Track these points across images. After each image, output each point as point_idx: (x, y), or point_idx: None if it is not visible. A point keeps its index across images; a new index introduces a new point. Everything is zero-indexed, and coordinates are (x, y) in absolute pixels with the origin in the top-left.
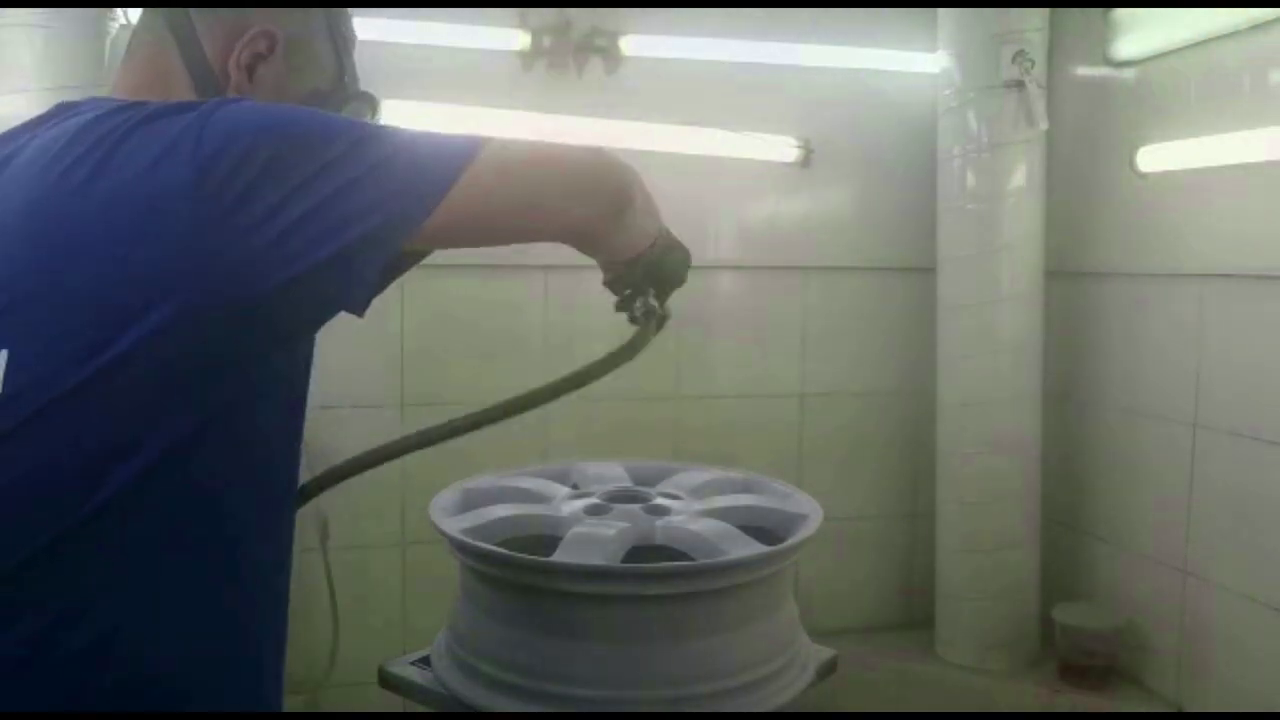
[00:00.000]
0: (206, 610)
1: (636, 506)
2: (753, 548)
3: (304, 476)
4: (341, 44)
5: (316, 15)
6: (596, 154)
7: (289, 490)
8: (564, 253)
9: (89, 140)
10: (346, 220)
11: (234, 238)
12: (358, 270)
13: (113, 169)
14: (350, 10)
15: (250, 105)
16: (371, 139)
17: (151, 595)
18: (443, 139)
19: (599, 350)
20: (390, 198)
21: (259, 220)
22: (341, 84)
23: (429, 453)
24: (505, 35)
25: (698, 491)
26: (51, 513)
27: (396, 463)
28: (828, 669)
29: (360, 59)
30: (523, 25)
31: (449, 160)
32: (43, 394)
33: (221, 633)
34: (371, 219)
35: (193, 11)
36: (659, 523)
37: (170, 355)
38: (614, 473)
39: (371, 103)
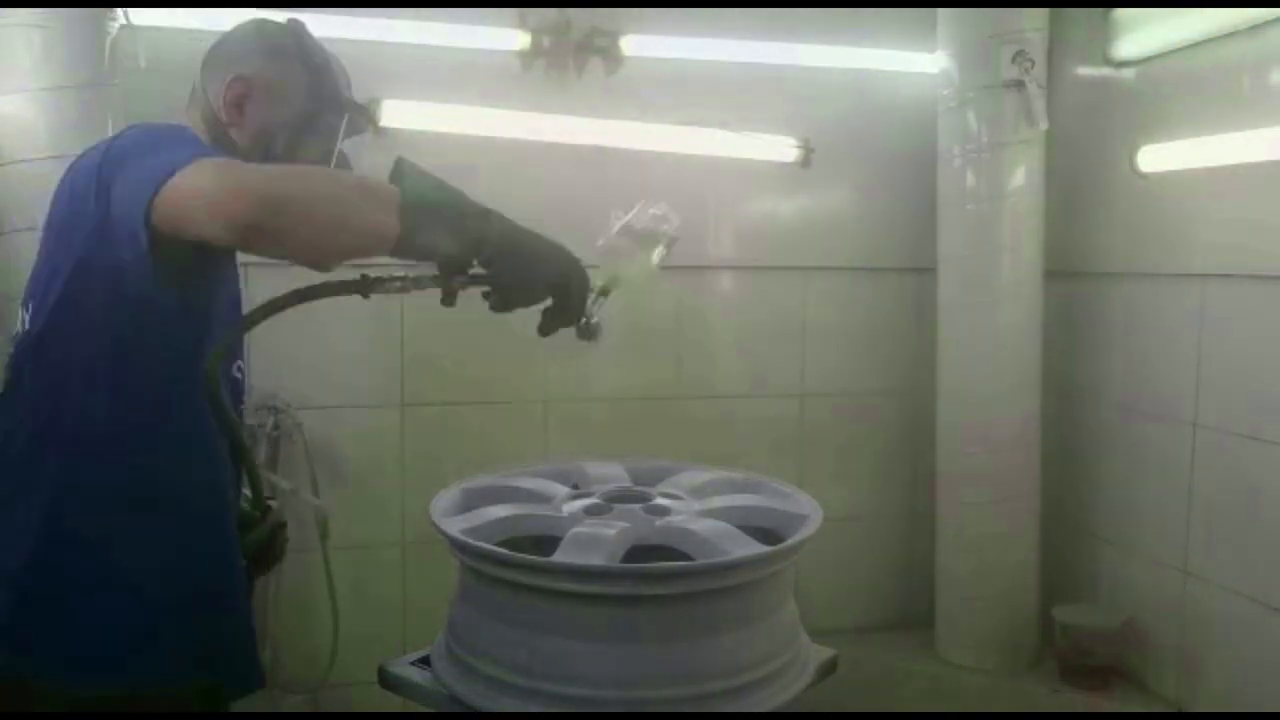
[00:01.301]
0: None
1: (636, 506)
2: (753, 548)
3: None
4: (317, 73)
5: (288, 54)
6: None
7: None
8: None
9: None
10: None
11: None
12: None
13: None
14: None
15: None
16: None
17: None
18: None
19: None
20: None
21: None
22: (327, 102)
23: (429, 453)
24: (505, 35)
25: (698, 491)
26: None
27: (396, 463)
28: (828, 669)
29: (361, 59)
30: (522, 25)
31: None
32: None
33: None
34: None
35: (203, 70)
36: (659, 523)
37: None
38: (614, 473)
39: (362, 109)
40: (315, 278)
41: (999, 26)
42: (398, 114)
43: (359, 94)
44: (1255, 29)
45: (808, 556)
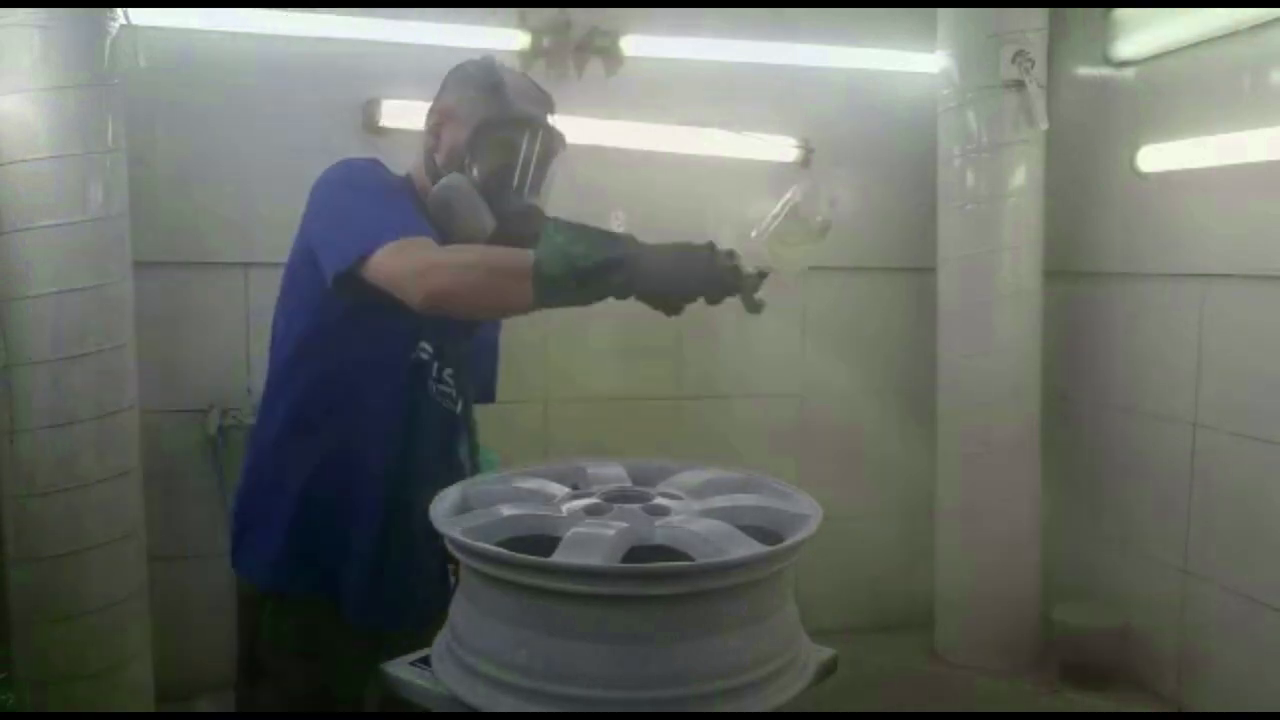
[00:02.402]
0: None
1: (636, 506)
2: (753, 548)
3: None
4: (489, 94)
5: (471, 82)
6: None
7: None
8: None
9: None
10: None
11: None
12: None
13: None
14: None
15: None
16: None
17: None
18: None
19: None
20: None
21: None
22: (500, 120)
23: None
24: (505, 35)
25: (698, 491)
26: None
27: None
28: (828, 669)
29: (361, 59)
30: (523, 25)
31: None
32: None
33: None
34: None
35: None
36: (659, 523)
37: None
38: (614, 473)
39: (522, 119)
40: None
41: (999, 26)
42: (398, 114)
43: (359, 94)
44: (1255, 29)
45: (808, 556)
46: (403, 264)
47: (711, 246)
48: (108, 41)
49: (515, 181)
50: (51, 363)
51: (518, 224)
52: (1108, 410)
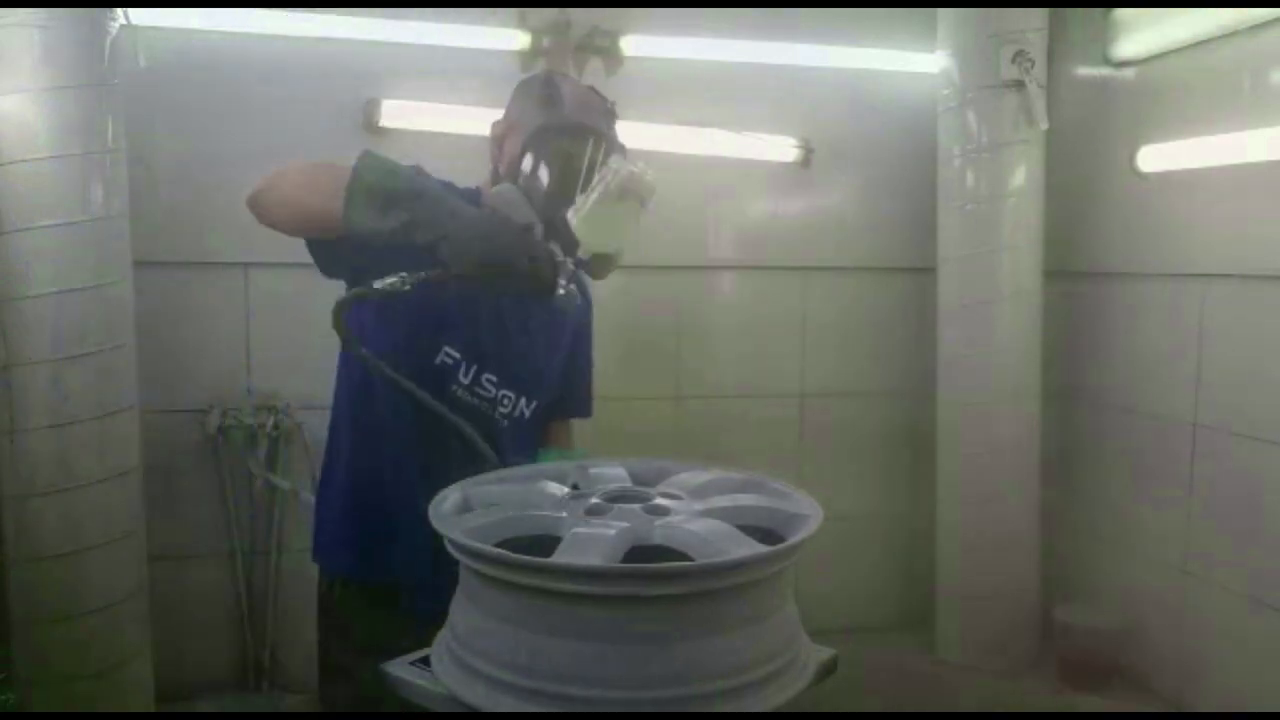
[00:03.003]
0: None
1: (636, 506)
2: (752, 548)
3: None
4: (543, 105)
5: (529, 95)
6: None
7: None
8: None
9: None
10: None
11: None
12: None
13: None
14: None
15: None
16: None
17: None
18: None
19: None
20: None
21: None
22: (551, 129)
23: None
24: (505, 35)
25: (698, 491)
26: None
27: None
28: (828, 669)
29: (361, 59)
30: (523, 25)
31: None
32: None
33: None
34: None
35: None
36: (658, 523)
37: None
38: (614, 473)
39: (574, 128)
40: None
41: (999, 26)
42: (398, 114)
43: (359, 94)
44: (1255, 29)
45: (808, 556)
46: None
47: (530, 227)
48: (108, 41)
49: (569, 189)
50: (51, 363)
51: (566, 232)
52: (1108, 410)
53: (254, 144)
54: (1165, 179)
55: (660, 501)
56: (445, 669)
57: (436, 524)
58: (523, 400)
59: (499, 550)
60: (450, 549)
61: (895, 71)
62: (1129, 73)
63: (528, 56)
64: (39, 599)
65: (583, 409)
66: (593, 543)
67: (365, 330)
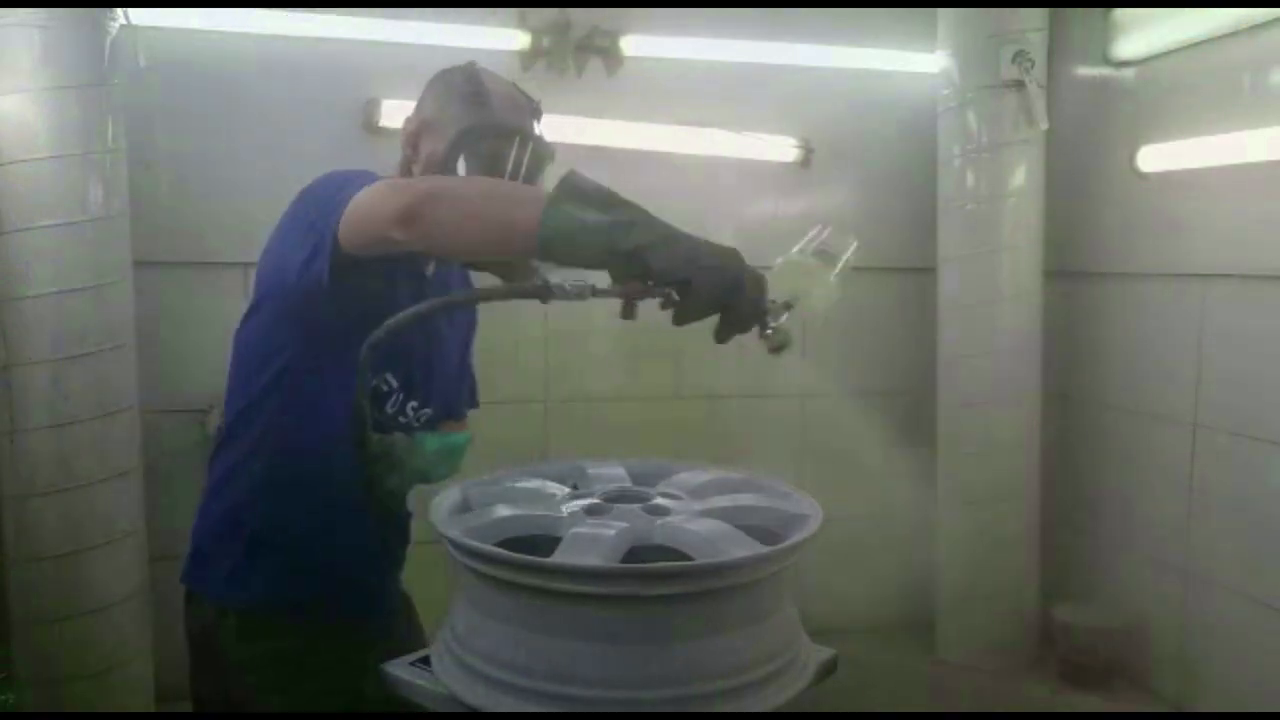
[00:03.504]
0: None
1: (636, 506)
2: (752, 548)
3: None
4: (471, 104)
5: (452, 91)
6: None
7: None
8: None
9: None
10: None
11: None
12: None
13: None
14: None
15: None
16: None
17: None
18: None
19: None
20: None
21: None
22: (482, 130)
23: None
24: (505, 35)
25: (698, 491)
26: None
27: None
28: (828, 669)
29: (361, 59)
30: (523, 25)
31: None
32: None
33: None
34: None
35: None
36: (658, 523)
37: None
38: (614, 473)
39: (506, 128)
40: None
41: (999, 26)
42: (398, 114)
43: (359, 94)
44: (1255, 29)
45: (808, 556)
46: (377, 191)
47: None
48: (108, 41)
49: None
50: (51, 363)
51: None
52: (1108, 410)
53: (254, 144)
54: (1165, 179)
55: (660, 501)
56: (445, 669)
57: (436, 523)
58: (439, 414)
59: (499, 550)
60: (450, 548)
61: (895, 71)
62: (1129, 73)
63: (528, 56)
64: (39, 599)
65: (463, 410)
66: (593, 543)
67: (314, 348)
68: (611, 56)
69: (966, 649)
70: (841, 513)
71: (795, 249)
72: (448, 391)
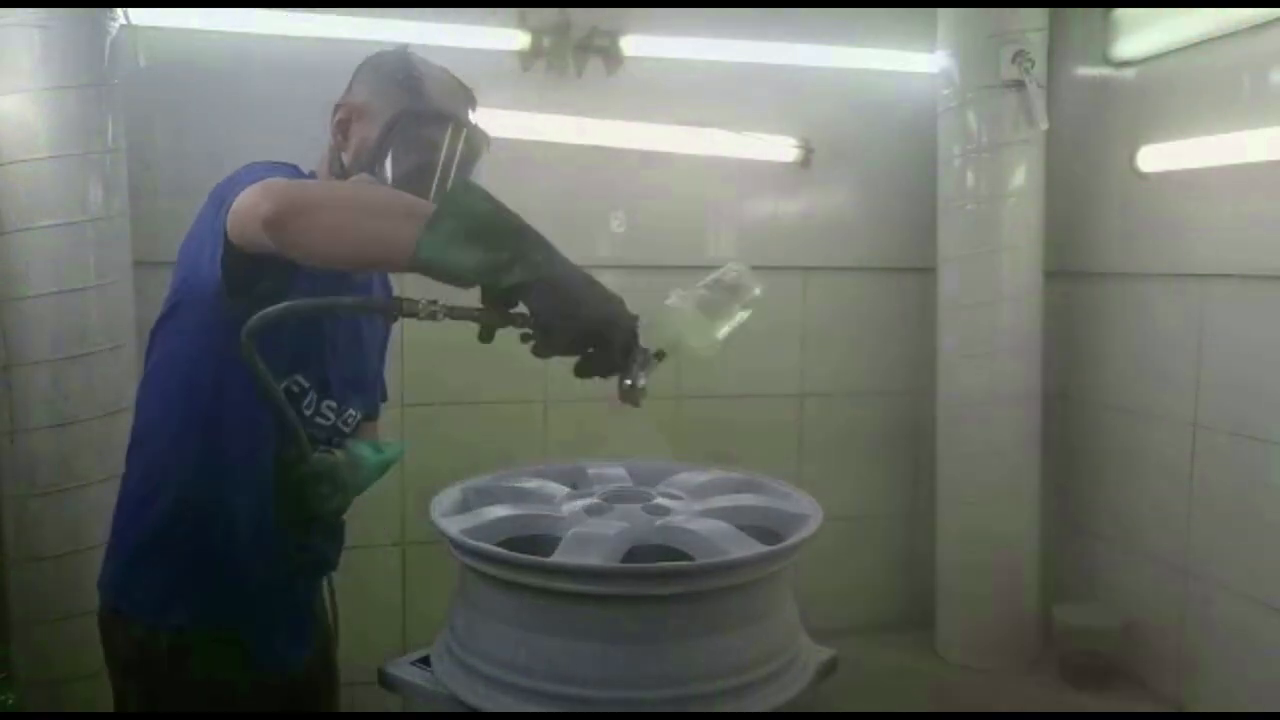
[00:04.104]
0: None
1: (636, 506)
2: (752, 548)
3: None
4: (406, 88)
5: (385, 76)
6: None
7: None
8: (564, 253)
9: None
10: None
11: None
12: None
13: None
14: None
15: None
16: None
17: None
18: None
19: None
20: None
21: None
22: (417, 116)
23: (429, 452)
24: (505, 35)
25: (698, 491)
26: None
27: (396, 463)
28: (828, 669)
29: (361, 60)
30: (523, 25)
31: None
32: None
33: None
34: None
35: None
36: (659, 523)
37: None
38: (614, 473)
39: (440, 115)
40: None
41: (999, 26)
42: None
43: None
44: (1255, 29)
45: (808, 556)
46: (253, 194)
47: (622, 301)
48: (108, 41)
49: (434, 184)
50: (51, 363)
51: None
52: (1108, 410)
53: (254, 144)
54: (1165, 179)
55: (660, 501)
56: (445, 669)
57: (437, 523)
58: (360, 414)
59: (499, 549)
60: (450, 548)
61: (895, 71)
62: (1129, 73)
63: (528, 56)
64: (39, 599)
65: (379, 408)
66: (593, 543)
67: (219, 348)
68: (611, 56)
69: (966, 649)
70: (841, 512)
71: (693, 290)
72: (367, 393)
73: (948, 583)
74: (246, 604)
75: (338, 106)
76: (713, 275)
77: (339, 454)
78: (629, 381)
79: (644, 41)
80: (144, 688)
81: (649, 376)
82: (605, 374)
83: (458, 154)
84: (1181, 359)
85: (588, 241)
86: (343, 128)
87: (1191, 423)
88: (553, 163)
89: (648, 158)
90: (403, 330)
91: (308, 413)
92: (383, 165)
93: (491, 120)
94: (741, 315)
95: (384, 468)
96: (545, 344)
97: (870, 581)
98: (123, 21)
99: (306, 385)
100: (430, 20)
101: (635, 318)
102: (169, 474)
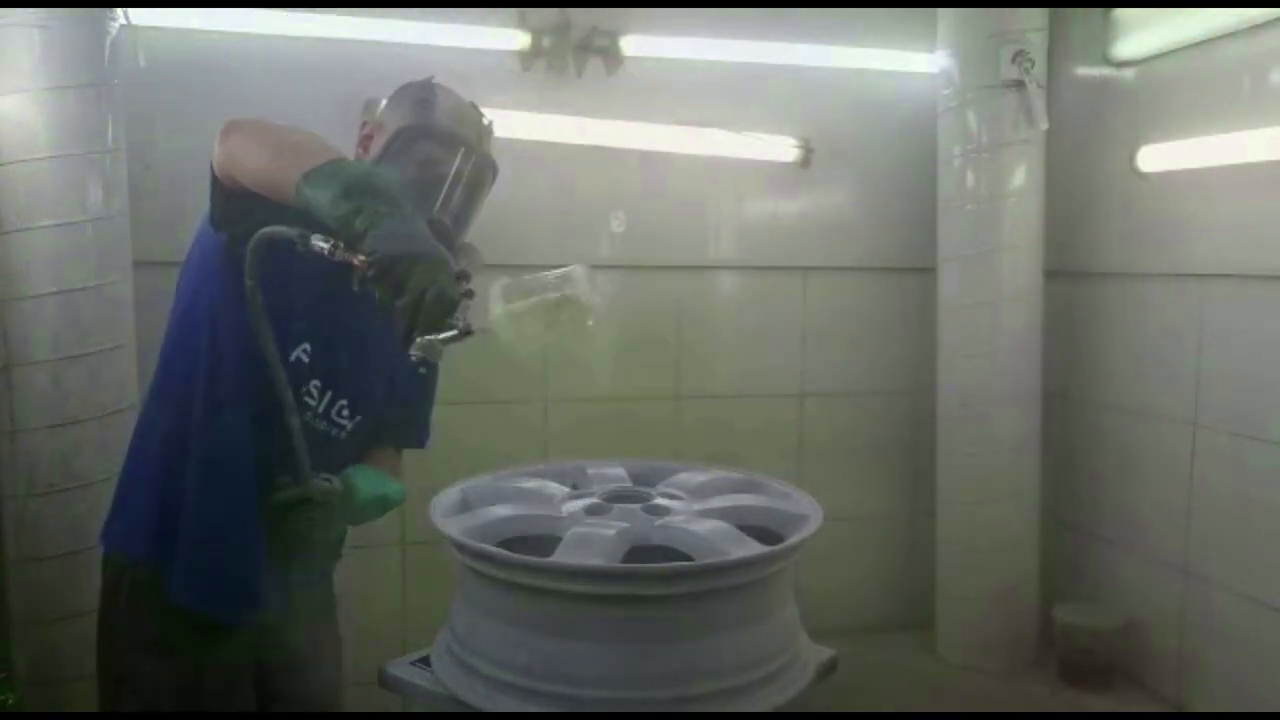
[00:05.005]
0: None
1: (636, 506)
2: (752, 548)
3: None
4: (414, 109)
5: (404, 100)
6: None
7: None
8: (564, 253)
9: None
10: None
11: None
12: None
13: None
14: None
15: None
16: None
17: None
18: None
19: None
20: None
21: None
22: (417, 127)
23: (429, 453)
24: (505, 35)
25: (698, 491)
26: None
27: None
28: (828, 669)
29: (361, 59)
30: (523, 25)
31: None
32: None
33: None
34: None
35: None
36: (659, 523)
37: None
38: (614, 473)
39: (443, 134)
40: None
41: (999, 26)
42: None
43: (358, 93)
44: (1255, 29)
45: (808, 556)
46: (223, 131)
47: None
48: (108, 41)
49: (437, 201)
50: (51, 363)
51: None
52: (1108, 410)
53: None
54: (1165, 179)
55: (660, 501)
56: (445, 669)
57: (437, 523)
58: (359, 417)
59: (499, 550)
60: (451, 548)
61: (895, 71)
62: (1129, 73)
63: (528, 56)
64: (39, 599)
65: (417, 438)
66: (593, 542)
67: (219, 309)
68: (611, 56)
69: (966, 649)
70: (841, 513)
71: (530, 280)
72: (363, 392)
73: (948, 583)
74: (202, 543)
75: (363, 124)
76: (551, 275)
77: (336, 482)
78: (420, 337)
79: (644, 41)
80: (107, 623)
81: (446, 348)
82: (417, 329)
83: (459, 175)
84: (1181, 359)
85: (588, 241)
86: (365, 144)
87: (1191, 422)
88: (553, 163)
89: (648, 158)
90: None
91: (320, 409)
92: (398, 178)
93: (491, 120)
94: (565, 322)
95: (381, 504)
96: (376, 289)
97: (870, 581)
98: (123, 21)
99: (308, 360)
100: (430, 20)
101: (455, 288)
102: (158, 423)
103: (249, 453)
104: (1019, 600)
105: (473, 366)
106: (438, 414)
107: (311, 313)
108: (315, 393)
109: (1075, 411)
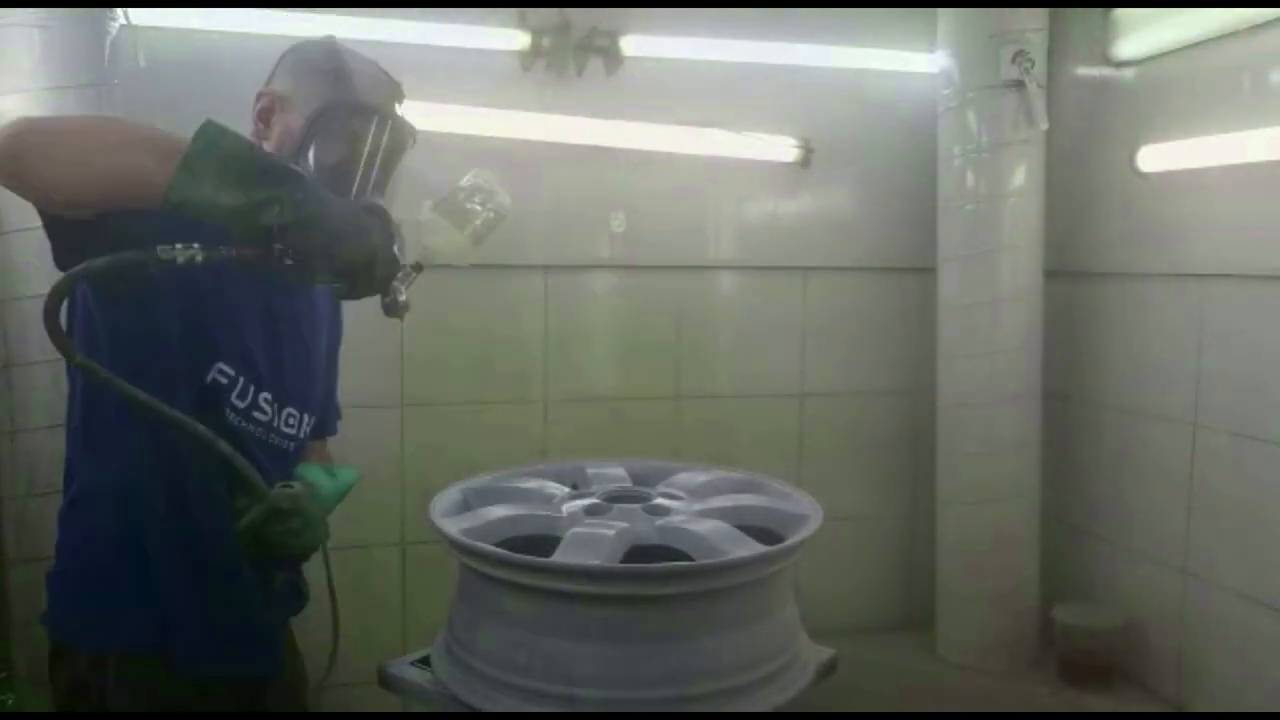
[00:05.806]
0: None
1: (636, 507)
2: (752, 548)
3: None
4: (331, 80)
5: (310, 66)
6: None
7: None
8: (564, 253)
9: None
10: None
11: None
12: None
13: None
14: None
15: None
16: None
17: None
18: None
19: (597, 351)
20: None
21: None
22: (342, 108)
23: (429, 453)
24: (505, 35)
25: (698, 491)
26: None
27: (396, 463)
28: (828, 669)
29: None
30: (523, 25)
31: None
32: None
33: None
34: None
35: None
36: (659, 523)
37: None
38: (614, 473)
39: (367, 108)
40: None
41: (999, 26)
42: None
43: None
44: (1255, 29)
45: (808, 556)
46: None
47: (388, 215)
48: (108, 41)
49: (358, 177)
50: (51, 363)
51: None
52: (1108, 410)
53: None
54: (1165, 179)
55: (660, 501)
56: (445, 669)
57: (436, 523)
58: (305, 417)
59: (499, 550)
60: (450, 548)
61: (895, 71)
62: (1129, 73)
63: (528, 56)
64: (39, 599)
65: (334, 425)
66: (593, 543)
67: (100, 339)
68: (611, 56)
69: (966, 649)
70: (841, 513)
71: (442, 199)
72: (307, 394)
73: (948, 583)
74: (161, 620)
75: (260, 95)
76: (462, 187)
77: (298, 487)
78: (390, 298)
79: (644, 41)
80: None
81: (409, 289)
82: (367, 295)
83: (382, 147)
84: (1181, 359)
85: (588, 241)
86: (264, 116)
87: (1191, 423)
88: (553, 163)
89: (648, 158)
90: (403, 330)
91: (241, 404)
92: (306, 156)
93: (492, 120)
94: (490, 217)
95: (339, 495)
96: (304, 277)
97: (870, 581)
98: (123, 21)
99: (233, 373)
100: (430, 20)
101: (392, 238)
102: (100, 500)
103: (211, 504)
104: (1019, 600)
105: (473, 367)
106: (438, 414)
107: (233, 321)
108: (266, 406)
109: (1075, 411)
